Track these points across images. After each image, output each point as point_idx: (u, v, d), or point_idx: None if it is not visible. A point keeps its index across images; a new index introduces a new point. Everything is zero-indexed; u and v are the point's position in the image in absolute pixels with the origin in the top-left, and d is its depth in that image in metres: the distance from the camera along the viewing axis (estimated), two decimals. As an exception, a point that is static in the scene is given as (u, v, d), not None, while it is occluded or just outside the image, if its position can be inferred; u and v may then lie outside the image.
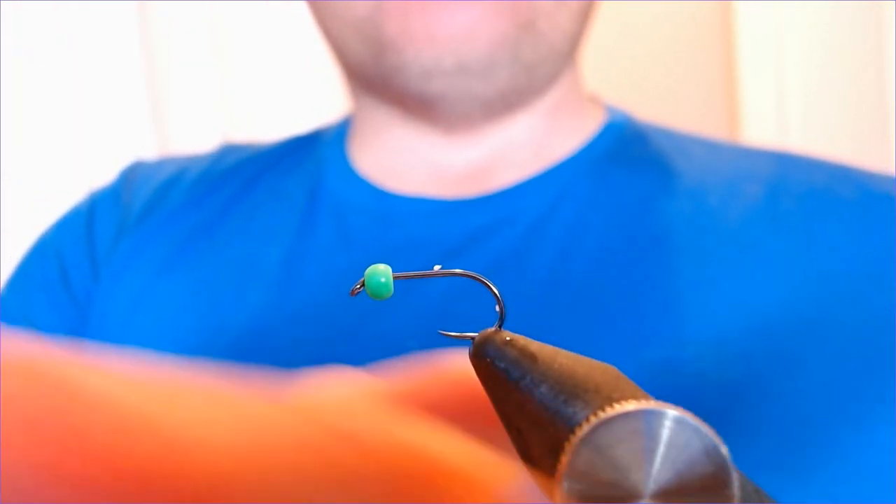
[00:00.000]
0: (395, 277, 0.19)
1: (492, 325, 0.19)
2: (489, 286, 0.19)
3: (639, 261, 0.39)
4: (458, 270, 0.20)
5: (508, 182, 0.42)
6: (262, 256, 0.43)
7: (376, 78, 0.42)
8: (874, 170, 0.44)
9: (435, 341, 0.37)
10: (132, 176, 0.50)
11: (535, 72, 0.41)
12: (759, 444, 0.33)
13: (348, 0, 0.40)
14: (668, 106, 1.26)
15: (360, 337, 0.39)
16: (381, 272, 0.19)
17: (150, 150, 1.10)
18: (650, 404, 0.16)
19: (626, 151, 0.44)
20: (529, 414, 0.17)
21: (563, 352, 0.18)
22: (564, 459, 0.16)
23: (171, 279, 0.43)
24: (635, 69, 1.29)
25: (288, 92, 1.12)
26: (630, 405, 0.16)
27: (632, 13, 1.28)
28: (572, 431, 0.17)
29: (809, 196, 0.42)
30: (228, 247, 0.44)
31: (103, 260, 0.45)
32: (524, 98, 0.42)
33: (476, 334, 0.19)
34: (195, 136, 1.13)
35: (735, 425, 0.33)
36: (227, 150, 0.51)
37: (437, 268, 0.20)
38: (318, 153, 0.47)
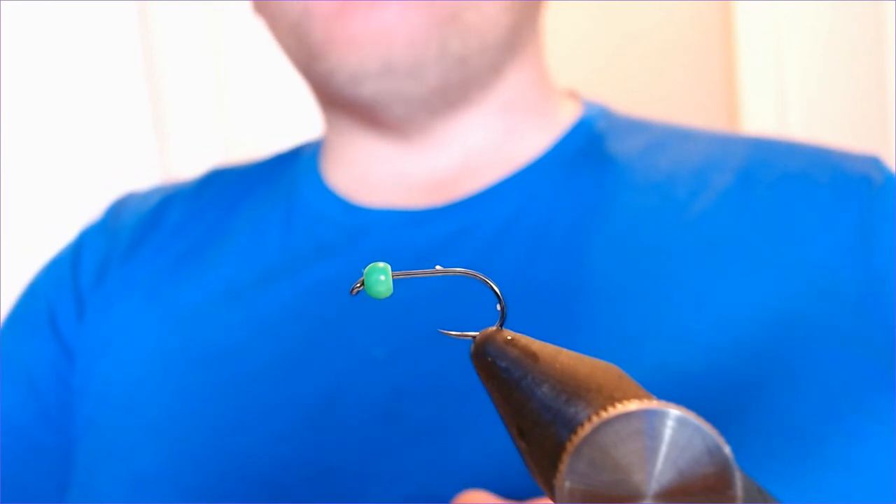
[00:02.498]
0: (394, 276, 0.19)
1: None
2: (490, 285, 0.19)
3: (602, 260, 0.39)
4: (458, 270, 0.20)
5: (475, 189, 0.42)
6: (242, 276, 0.43)
7: (314, 85, 0.43)
8: (854, 150, 0.43)
9: (402, 348, 0.37)
10: (120, 209, 0.51)
11: (469, 65, 0.40)
12: (726, 437, 0.33)
13: (281, 2, 0.40)
14: (669, 106, 1.26)
15: (331, 347, 0.39)
16: (380, 271, 0.19)
17: (150, 152, 1.10)
18: (652, 404, 0.16)
19: (594, 149, 0.44)
20: (531, 413, 0.17)
21: (565, 351, 0.18)
22: (566, 459, 0.16)
23: (157, 306, 0.44)
24: (635, 69, 1.29)
25: (288, 96, 1.12)
26: (632, 405, 0.16)
27: (632, 14, 1.28)
28: (574, 431, 0.16)
29: (782, 182, 0.41)
30: (211, 270, 0.45)
31: (89, 297, 0.46)
32: (466, 93, 0.42)
33: (477, 333, 0.19)
34: (196, 138, 1.13)
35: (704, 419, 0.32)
36: (213, 175, 0.51)
37: (437, 267, 0.20)
38: (294, 170, 0.48)
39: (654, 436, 0.16)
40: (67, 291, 0.47)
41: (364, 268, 0.19)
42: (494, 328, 0.19)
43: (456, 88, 0.41)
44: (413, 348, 0.37)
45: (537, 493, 0.30)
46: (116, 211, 0.50)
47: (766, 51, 1.21)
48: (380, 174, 0.44)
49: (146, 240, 0.47)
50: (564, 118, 0.45)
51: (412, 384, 0.37)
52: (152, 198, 0.50)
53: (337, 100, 0.42)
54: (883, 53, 1.14)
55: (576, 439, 0.16)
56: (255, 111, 1.15)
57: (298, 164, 0.48)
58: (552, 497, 0.17)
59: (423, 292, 0.38)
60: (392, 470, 0.35)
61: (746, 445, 0.33)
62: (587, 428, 0.16)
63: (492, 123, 0.43)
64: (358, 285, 0.19)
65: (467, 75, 0.40)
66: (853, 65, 1.18)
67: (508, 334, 0.18)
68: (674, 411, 0.16)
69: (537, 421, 0.17)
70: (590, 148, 0.44)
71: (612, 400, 0.17)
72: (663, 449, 0.16)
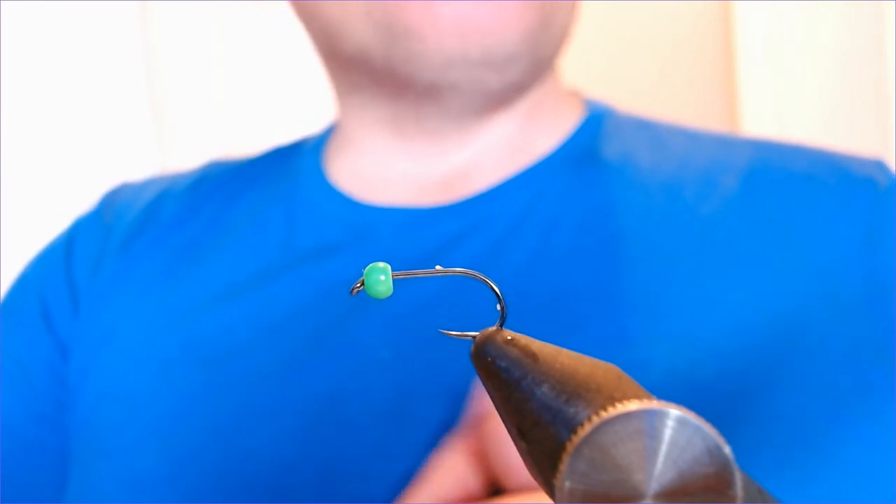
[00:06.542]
0: (394, 276, 0.19)
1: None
2: (490, 285, 0.19)
3: (610, 260, 0.39)
4: (458, 269, 0.20)
5: (483, 186, 0.42)
6: (242, 273, 0.43)
7: (381, 66, 0.40)
8: (858, 153, 0.43)
9: (408, 349, 0.37)
10: (115, 199, 0.50)
11: (539, 68, 0.41)
12: (733, 442, 0.33)
13: None
14: (668, 106, 1.26)
15: (335, 347, 0.39)
16: (380, 270, 0.19)
17: (150, 151, 1.10)
18: (652, 404, 0.16)
19: (601, 148, 0.44)
20: (531, 414, 0.17)
21: (565, 351, 0.18)
22: (566, 459, 0.16)
23: (154, 299, 0.44)
24: (635, 69, 1.29)
25: (288, 93, 1.12)
26: (632, 405, 0.16)
27: (632, 14, 1.28)
28: (574, 431, 0.16)
29: (787, 184, 0.41)
30: (209, 264, 0.44)
31: (84, 288, 0.45)
32: (514, 95, 0.42)
33: (477, 333, 0.19)
34: (196, 137, 1.12)
35: (709, 423, 0.32)
36: (211, 168, 0.51)
37: (437, 267, 0.20)
38: (295, 166, 0.47)
39: (654, 436, 0.16)
40: (62, 283, 0.46)
41: (358, 271, 0.19)
42: (494, 328, 0.19)
43: (520, 88, 0.41)
44: (420, 349, 0.37)
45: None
46: (110, 201, 0.50)
47: (766, 51, 1.21)
48: (390, 172, 0.44)
49: (142, 233, 0.46)
50: (570, 117, 0.45)
51: (419, 385, 0.36)
52: (148, 189, 0.50)
53: (404, 84, 0.40)
54: (883, 53, 1.14)
55: (576, 439, 0.16)
56: (254, 108, 1.15)
57: (300, 159, 0.48)
58: (552, 497, 0.17)
59: (430, 292, 0.38)
60: (398, 472, 0.35)
61: (754, 449, 0.33)
62: (587, 428, 0.16)
63: (515, 124, 0.43)
64: (358, 285, 0.19)
65: (534, 76, 0.41)
66: (853, 65, 1.18)
67: (508, 334, 0.18)
68: (674, 411, 0.16)
69: (537, 421, 0.17)
70: (596, 147, 0.44)
71: (612, 400, 0.17)
72: (663, 449, 0.16)
